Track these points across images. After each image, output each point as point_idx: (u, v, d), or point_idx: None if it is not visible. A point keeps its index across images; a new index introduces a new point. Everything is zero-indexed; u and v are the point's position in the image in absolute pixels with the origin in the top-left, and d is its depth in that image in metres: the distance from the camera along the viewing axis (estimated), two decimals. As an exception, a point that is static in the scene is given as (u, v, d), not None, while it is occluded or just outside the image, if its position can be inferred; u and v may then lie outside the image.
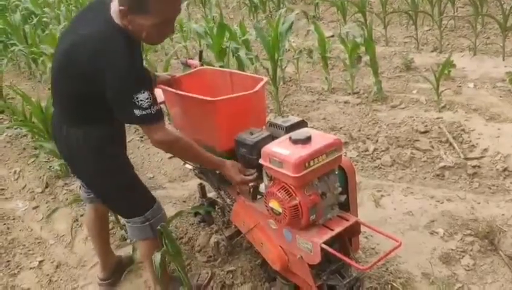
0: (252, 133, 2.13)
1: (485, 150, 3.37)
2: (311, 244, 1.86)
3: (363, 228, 2.02)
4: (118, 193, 2.19)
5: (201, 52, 2.99)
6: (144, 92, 1.83)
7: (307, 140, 1.85)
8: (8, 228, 3.54)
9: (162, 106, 2.59)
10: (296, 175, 1.78)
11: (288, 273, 2.09)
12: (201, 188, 2.89)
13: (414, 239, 2.70)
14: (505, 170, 3.14)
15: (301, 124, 2.13)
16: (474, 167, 3.22)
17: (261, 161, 1.93)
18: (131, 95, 1.82)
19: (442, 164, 3.28)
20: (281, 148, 1.86)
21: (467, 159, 3.31)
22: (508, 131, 3.54)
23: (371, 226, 1.95)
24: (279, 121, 2.16)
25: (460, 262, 2.51)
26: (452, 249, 2.59)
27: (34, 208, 3.72)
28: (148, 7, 1.81)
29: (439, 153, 3.41)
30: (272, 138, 2.07)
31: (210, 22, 5.96)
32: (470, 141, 3.50)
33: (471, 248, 2.58)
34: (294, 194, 1.83)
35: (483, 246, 2.57)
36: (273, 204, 1.89)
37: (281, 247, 2.05)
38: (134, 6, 1.82)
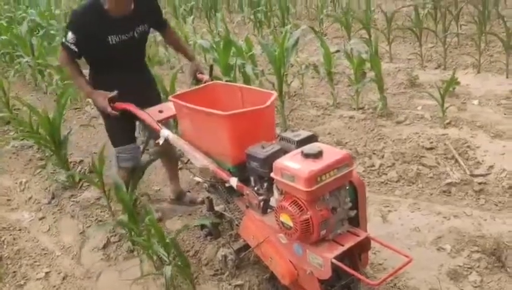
0: (263, 147, 2.15)
1: (491, 167, 3.40)
2: (321, 260, 1.87)
3: (372, 243, 2.03)
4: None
5: (211, 67, 3.07)
6: (69, 32, 2.73)
7: (319, 154, 1.87)
8: (14, 239, 3.54)
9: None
10: (308, 189, 1.80)
11: (297, 288, 2.10)
12: (209, 201, 2.90)
13: (421, 255, 2.70)
14: (510, 187, 3.16)
15: (312, 139, 2.16)
16: (480, 183, 3.24)
17: (272, 175, 1.95)
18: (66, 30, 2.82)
19: (448, 180, 3.29)
20: (293, 163, 1.89)
21: (473, 175, 3.33)
22: (513, 148, 3.57)
23: (382, 241, 1.96)
24: (290, 135, 2.19)
25: (467, 278, 2.51)
26: (459, 266, 2.59)
27: (40, 219, 3.72)
28: None
29: (445, 170, 3.43)
30: (283, 151, 2.09)
31: (216, 36, 6.03)
32: (476, 158, 3.52)
33: (478, 264, 2.58)
34: (305, 209, 1.85)
35: (490, 263, 2.58)
36: (284, 218, 1.90)
37: (291, 261, 2.06)
38: None
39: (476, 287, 2.46)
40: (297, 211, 1.85)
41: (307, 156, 1.89)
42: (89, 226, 3.42)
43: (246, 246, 2.51)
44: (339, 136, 4.11)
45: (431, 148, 3.68)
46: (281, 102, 4.49)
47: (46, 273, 3.13)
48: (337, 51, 5.92)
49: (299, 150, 1.95)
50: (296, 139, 2.13)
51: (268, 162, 2.05)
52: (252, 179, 2.21)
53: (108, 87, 2.81)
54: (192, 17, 8.55)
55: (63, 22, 8.49)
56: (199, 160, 2.37)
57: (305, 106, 4.91)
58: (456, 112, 4.26)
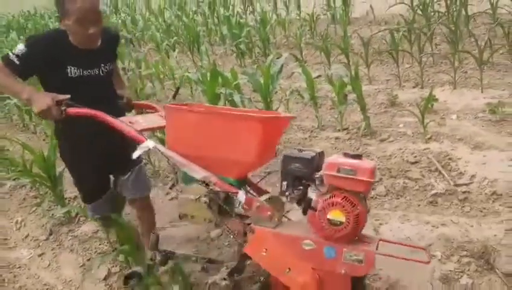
0: (301, 151, 2.22)
1: (473, 176, 3.56)
2: (363, 255, 1.98)
3: None
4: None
5: (177, 89, 3.00)
6: (20, 45, 2.47)
7: (360, 156, 2.05)
8: (15, 276, 3.58)
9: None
10: (372, 180, 1.95)
11: None
12: (156, 237, 2.74)
13: (413, 263, 2.81)
14: (493, 193, 3.32)
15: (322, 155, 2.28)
16: (464, 192, 3.40)
17: (324, 172, 2.03)
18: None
19: (434, 191, 3.45)
20: (348, 159, 2.03)
21: (456, 185, 3.49)
22: (492, 157, 3.74)
23: (395, 241, 2.13)
24: (296, 153, 2.22)
25: (459, 282, 2.64)
26: (450, 270, 2.72)
27: (40, 255, 3.77)
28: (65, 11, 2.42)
29: (430, 182, 3.58)
30: (321, 155, 2.24)
31: (201, 69, 6.21)
32: (458, 169, 3.69)
33: (468, 268, 2.72)
34: (356, 204, 1.97)
35: (479, 266, 2.71)
36: (335, 215, 1.97)
37: (313, 268, 2.07)
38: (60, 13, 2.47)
39: (468, 289, 2.59)
40: (350, 205, 1.96)
41: (352, 156, 2.04)
42: (89, 259, 3.48)
43: (238, 268, 2.42)
44: (327, 156, 4.25)
45: (415, 162, 3.85)
46: (268, 127, 4.64)
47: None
48: (319, 76, 6.14)
49: (339, 153, 2.12)
50: (311, 154, 2.20)
51: (313, 162, 2.14)
52: (284, 183, 2.20)
53: (72, 128, 2.61)
54: (176, 51, 8.75)
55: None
56: (198, 172, 2.18)
57: (291, 129, 5.07)
58: (436, 126, 4.45)
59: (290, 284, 2.12)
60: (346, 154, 2.07)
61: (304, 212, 2.13)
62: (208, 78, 5.09)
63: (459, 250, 2.85)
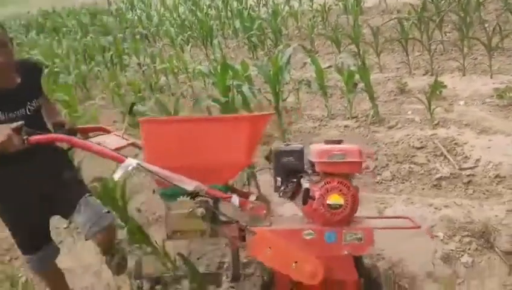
0: (287, 145, 2.24)
1: (478, 160, 3.62)
2: (362, 233, 2.07)
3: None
4: None
5: (132, 105, 2.65)
6: None
7: (340, 142, 2.11)
8: (37, 262, 3.76)
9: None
10: (362, 160, 2.02)
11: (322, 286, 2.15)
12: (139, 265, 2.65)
13: (417, 243, 2.91)
14: (496, 176, 3.38)
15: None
16: (468, 176, 3.47)
17: (313, 159, 2.07)
18: None
19: (438, 175, 3.52)
20: (334, 145, 2.08)
21: (461, 169, 3.55)
22: (498, 141, 3.79)
23: (379, 216, 2.20)
24: (286, 147, 2.24)
25: (460, 260, 2.72)
26: (452, 250, 2.81)
27: (59, 243, 3.94)
28: None
29: (435, 166, 3.66)
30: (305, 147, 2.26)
31: (213, 62, 6.35)
32: (464, 153, 3.75)
33: (469, 247, 2.80)
34: (351, 185, 2.05)
35: (480, 245, 2.79)
36: (334, 199, 2.04)
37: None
38: None
39: (468, 267, 2.68)
40: (346, 188, 2.04)
41: (333, 142, 2.10)
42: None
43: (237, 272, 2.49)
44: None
45: (421, 148, 3.92)
46: (278, 117, 4.75)
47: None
48: (330, 66, 6.22)
49: (321, 142, 2.16)
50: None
51: (303, 154, 2.16)
52: (278, 179, 2.21)
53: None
54: (190, 45, 8.90)
55: (65, 60, 8.85)
56: (189, 183, 2.05)
57: (301, 119, 5.17)
58: (444, 113, 4.50)
59: (298, 277, 2.12)
60: (327, 141, 2.12)
61: (305, 203, 2.10)
62: (219, 71, 5.22)
63: (461, 230, 2.93)
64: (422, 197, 3.35)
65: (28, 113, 2.33)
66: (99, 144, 2.19)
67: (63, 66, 8.55)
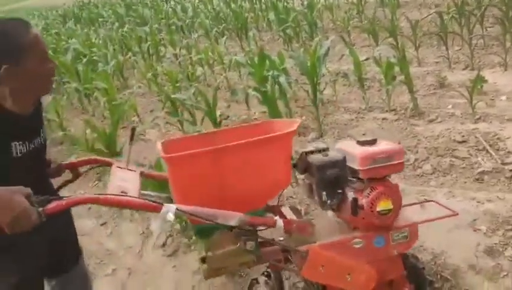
0: (324, 155, 2.05)
1: (521, 155, 3.57)
2: (407, 229, 2.04)
3: None
4: None
5: (133, 130, 2.23)
6: None
7: (374, 141, 2.05)
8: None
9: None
10: (404, 161, 2.00)
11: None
12: None
13: (459, 236, 2.90)
14: (540, 171, 3.33)
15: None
16: (511, 170, 3.42)
17: (356, 167, 1.97)
18: None
19: (480, 169, 3.48)
20: (377, 147, 2.00)
21: (504, 164, 3.50)
22: (541, 137, 3.73)
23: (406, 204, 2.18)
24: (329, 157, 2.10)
25: (503, 254, 2.69)
26: (495, 243, 2.78)
27: (102, 224, 4.07)
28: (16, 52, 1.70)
29: (477, 160, 3.62)
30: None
31: (249, 54, 6.39)
32: (506, 148, 3.70)
33: (513, 241, 2.77)
34: (393, 186, 2.01)
35: (524, 239, 2.76)
36: (383, 204, 1.96)
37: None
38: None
39: (512, 261, 2.65)
40: (391, 190, 1.98)
41: (367, 143, 2.02)
42: (147, 227, 3.74)
43: None
44: (374, 136, 4.33)
45: (463, 142, 3.88)
46: (315, 108, 4.77)
47: (113, 270, 3.46)
48: (367, 59, 6.18)
49: (354, 144, 2.06)
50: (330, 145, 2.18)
51: (346, 162, 2.01)
52: (324, 193, 2.04)
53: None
54: (225, 37, 8.96)
55: (104, 49, 9.04)
56: (233, 217, 1.82)
57: (338, 111, 5.17)
58: (485, 107, 4.44)
59: (355, 288, 2.05)
60: (360, 142, 2.02)
61: (355, 213, 1.99)
62: (256, 62, 5.26)
63: (504, 224, 2.89)
64: (464, 191, 3.32)
65: (42, 142, 1.92)
66: (124, 192, 1.86)
67: (101, 55, 8.74)
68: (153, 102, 7.11)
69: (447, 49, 5.85)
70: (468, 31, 5.98)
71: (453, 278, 2.57)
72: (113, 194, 1.76)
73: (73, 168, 2.25)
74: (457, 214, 2.13)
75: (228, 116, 5.67)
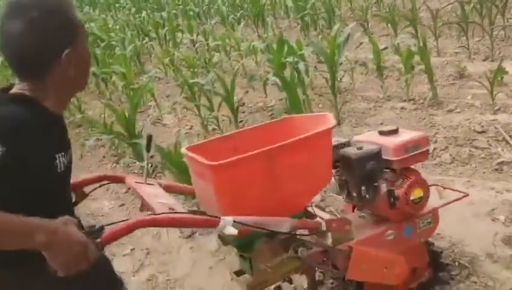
0: (358, 148, 2.02)
1: (542, 146, 3.54)
2: (430, 216, 2.10)
3: None
4: None
5: (150, 138, 1.98)
6: None
7: (396, 131, 2.10)
8: (98, 223, 3.95)
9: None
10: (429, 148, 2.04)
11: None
12: None
13: (477, 225, 2.90)
14: (561, 163, 3.30)
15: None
16: (531, 162, 3.40)
17: (390, 157, 1.99)
18: None
19: (500, 160, 3.47)
20: (404, 136, 2.04)
21: (524, 155, 3.49)
22: (562, 129, 3.69)
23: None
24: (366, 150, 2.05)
25: (522, 244, 2.69)
26: (514, 233, 2.78)
27: (120, 205, 4.13)
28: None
29: (497, 150, 3.60)
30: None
31: (266, 41, 6.38)
32: (527, 139, 3.67)
33: (532, 231, 2.76)
34: (420, 173, 2.07)
35: (543, 229, 2.75)
36: (416, 193, 2.01)
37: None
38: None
39: (531, 251, 2.65)
40: (421, 178, 2.03)
41: (390, 133, 2.08)
42: (165, 210, 3.78)
43: None
44: (392, 125, 4.33)
45: (482, 132, 3.86)
46: (334, 96, 4.76)
47: (131, 249, 3.52)
48: (385, 48, 6.14)
49: (376, 134, 2.11)
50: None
51: (381, 154, 2.00)
52: (363, 188, 2.00)
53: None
54: (241, 24, 8.94)
55: (121, 34, 9.08)
56: (284, 223, 1.73)
57: (356, 99, 5.16)
58: (505, 99, 4.39)
59: (392, 281, 2.05)
60: (382, 132, 2.06)
61: (393, 206, 1.99)
62: (275, 48, 5.26)
63: (524, 215, 2.89)
64: (484, 181, 3.31)
65: (72, 154, 1.50)
66: (170, 208, 1.66)
67: (118, 40, 8.78)
68: (169, 87, 7.15)
69: (467, 39, 5.78)
70: (489, 22, 5.90)
71: (471, 265, 2.58)
72: (166, 212, 1.57)
73: (79, 187, 1.91)
74: (468, 194, 2.26)
75: (244, 103, 5.68)
